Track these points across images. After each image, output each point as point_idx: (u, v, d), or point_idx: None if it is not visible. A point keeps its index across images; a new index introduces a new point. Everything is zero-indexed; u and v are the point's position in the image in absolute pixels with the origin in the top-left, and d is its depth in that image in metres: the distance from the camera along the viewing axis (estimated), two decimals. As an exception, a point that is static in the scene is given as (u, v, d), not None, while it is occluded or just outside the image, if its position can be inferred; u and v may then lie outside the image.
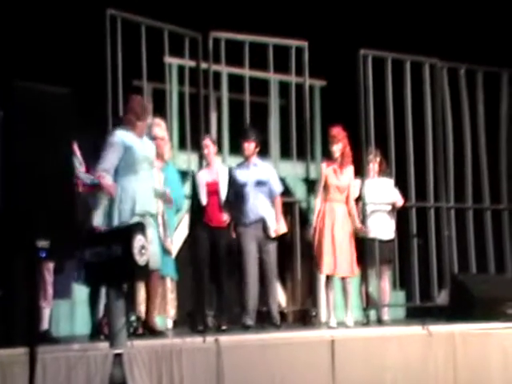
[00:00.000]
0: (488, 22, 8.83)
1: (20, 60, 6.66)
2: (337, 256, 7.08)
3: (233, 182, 6.95)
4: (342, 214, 7.21)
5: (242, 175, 6.96)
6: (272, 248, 6.93)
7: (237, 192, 6.92)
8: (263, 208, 6.94)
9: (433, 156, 8.46)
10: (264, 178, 6.99)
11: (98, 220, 6.09)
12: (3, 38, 6.56)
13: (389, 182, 7.85)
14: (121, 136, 6.03)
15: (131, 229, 5.29)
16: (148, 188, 6.06)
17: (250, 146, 6.97)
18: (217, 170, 6.94)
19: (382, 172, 7.81)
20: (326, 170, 7.23)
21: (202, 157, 7.18)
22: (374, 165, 7.75)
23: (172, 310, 6.86)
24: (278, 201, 7.08)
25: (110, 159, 5.95)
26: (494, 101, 8.92)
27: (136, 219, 5.87)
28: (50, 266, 5.65)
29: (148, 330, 6.18)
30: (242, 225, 6.87)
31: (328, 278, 7.19)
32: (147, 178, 6.08)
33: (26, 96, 4.41)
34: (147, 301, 6.22)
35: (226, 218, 6.78)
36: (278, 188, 7.11)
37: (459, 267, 8.48)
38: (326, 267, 7.08)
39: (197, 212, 6.79)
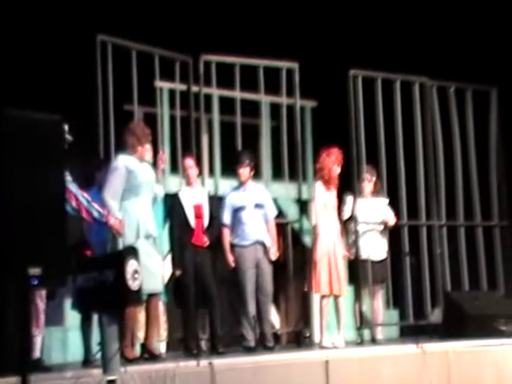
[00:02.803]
0: (477, 41, 8.88)
1: (9, 87, 6.68)
2: (332, 274, 7.09)
3: (229, 205, 6.98)
4: (335, 233, 7.24)
5: (239, 198, 6.99)
6: (268, 270, 6.96)
7: (233, 215, 6.94)
8: (261, 231, 6.98)
9: (424, 174, 8.50)
10: (261, 201, 7.05)
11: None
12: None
13: (383, 202, 7.86)
14: (124, 160, 6.15)
15: (124, 253, 5.30)
16: (149, 211, 6.19)
17: (245, 172, 7.01)
18: (200, 193, 6.94)
19: (377, 191, 7.84)
20: (320, 189, 7.25)
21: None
22: (368, 184, 7.77)
23: (164, 333, 6.85)
24: (273, 224, 7.13)
25: (116, 184, 6.06)
26: (484, 118, 8.97)
27: (141, 242, 5.96)
28: (43, 292, 5.64)
29: (148, 354, 6.19)
30: (240, 247, 6.91)
31: (323, 297, 7.19)
32: (148, 201, 6.20)
33: (16, 124, 4.42)
34: (147, 325, 6.23)
35: (206, 239, 6.78)
36: (273, 212, 7.17)
37: (452, 285, 8.51)
38: (324, 287, 7.09)
39: (183, 233, 6.76)
